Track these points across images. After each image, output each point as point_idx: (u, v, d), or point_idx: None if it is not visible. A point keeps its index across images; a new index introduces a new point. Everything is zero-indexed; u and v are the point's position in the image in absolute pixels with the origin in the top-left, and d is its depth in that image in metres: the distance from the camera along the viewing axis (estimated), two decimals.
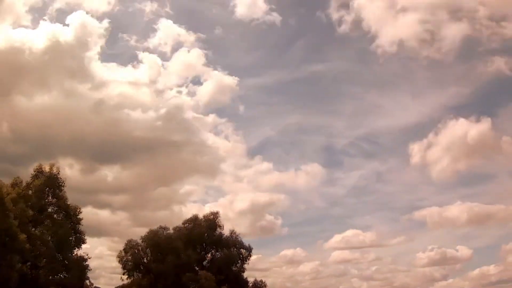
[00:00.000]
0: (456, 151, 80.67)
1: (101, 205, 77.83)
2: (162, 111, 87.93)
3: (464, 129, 79.87)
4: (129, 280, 51.79)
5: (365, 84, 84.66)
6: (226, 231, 56.28)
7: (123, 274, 51.77)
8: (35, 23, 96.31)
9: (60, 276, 39.67)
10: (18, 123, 67.98)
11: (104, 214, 78.56)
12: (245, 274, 56.16)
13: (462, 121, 79.03)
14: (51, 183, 39.44)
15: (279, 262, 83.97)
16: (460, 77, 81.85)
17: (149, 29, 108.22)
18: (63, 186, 40.29)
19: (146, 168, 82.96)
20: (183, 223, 55.28)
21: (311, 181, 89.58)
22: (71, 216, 40.10)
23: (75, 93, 78.07)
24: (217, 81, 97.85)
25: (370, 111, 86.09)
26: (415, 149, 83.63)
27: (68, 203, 40.29)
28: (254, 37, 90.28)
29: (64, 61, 78.54)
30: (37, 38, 76.95)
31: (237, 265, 55.27)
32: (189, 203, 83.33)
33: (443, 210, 79.99)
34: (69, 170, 65.41)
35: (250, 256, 56.22)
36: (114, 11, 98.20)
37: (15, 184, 38.00)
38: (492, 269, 73.74)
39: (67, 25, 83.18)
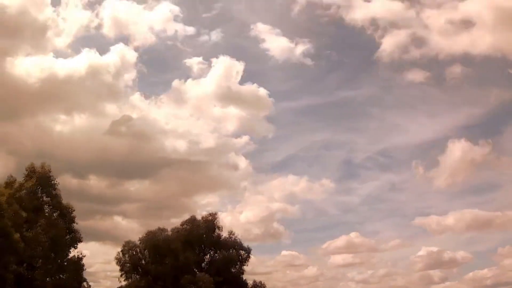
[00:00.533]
0: (463, 165, 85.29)
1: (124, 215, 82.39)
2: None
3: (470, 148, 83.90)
4: (127, 282, 51.72)
5: (387, 106, 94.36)
6: (224, 233, 56.21)
7: (121, 276, 51.82)
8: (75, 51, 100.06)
9: (56, 277, 39.74)
10: (48, 142, 72.83)
11: (122, 222, 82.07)
12: (245, 277, 56.22)
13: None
14: (43, 183, 39.48)
15: (279, 266, 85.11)
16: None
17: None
18: (57, 184, 40.39)
19: (168, 184, 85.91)
20: (181, 224, 55.11)
21: (328, 191, 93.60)
22: (65, 215, 40.11)
23: (106, 115, 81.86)
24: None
25: (389, 129, 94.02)
26: (427, 162, 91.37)
27: (62, 201, 40.29)
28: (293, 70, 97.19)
29: (99, 87, 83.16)
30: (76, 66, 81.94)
31: (236, 266, 55.02)
32: (203, 212, 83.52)
33: (446, 216, 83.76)
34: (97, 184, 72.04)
35: (249, 258, 55.98)
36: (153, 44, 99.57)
37: (9, 184, 38.05)
38: (488, 272, 75.82)
39: (107, 53, 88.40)
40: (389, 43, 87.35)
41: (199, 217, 55.95)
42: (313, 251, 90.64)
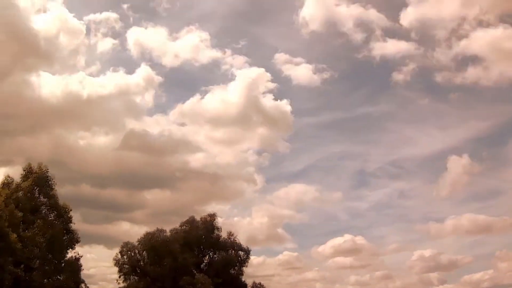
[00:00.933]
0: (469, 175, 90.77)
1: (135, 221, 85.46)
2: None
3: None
4: (125, 284, 51.66)
5: (402, 121, 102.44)
6: (224, 233, 56.12)
7: (119, 277, 51.73)
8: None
9: (54, 278, 39.71)
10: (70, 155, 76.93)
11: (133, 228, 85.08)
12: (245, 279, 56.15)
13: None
14: (41, 183, 39.50)
15: (279, 268, 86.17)
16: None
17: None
18: (54, 184, 40.43)
19: (183, 194, 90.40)
20: (180, 225, 54.96)
21: (338, 199, 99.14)
22: (62, 216, 40.10)
23: (128, 131, 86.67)
24: None
25: (402, 142, 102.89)
26: (436, 171, 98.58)
27: (59, 202, 40.29)
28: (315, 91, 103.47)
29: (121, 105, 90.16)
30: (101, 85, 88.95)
31: (235, 268, 54.93)
32: None
33: (448, 221, 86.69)
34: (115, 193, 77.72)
35: (249, 259, 55.90)
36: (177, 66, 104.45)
37: (6, 184, 38.07)
38: (485, 274, 77.59)
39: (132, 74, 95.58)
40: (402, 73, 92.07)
41: (198, 218, 55.87)
42: (315, 253, 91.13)
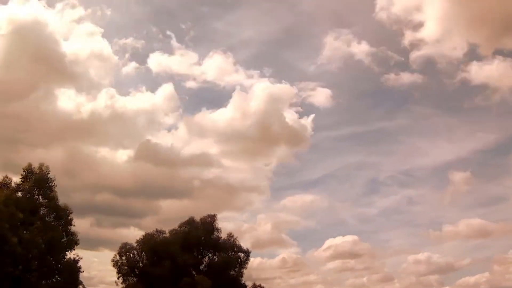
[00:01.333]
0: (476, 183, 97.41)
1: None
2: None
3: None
4: (124, 285, 51.45)
5: (414, 133, 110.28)
6: (223, 234, 55.97)
7: (118, 279, 51.52)
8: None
9: (52, 280, 39.52)
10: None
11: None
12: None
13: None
14: (41, 184, 39.21)
15: (279, 271, 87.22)
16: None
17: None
18: (54, 186, 40.13)
19: (195, 202, 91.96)
20: (179, 226, 54.75)
21: (349, 205, 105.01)
22: (62, 217, 39.83)
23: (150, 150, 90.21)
24: None
25: (413, 152, 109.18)
26: (444, 180, 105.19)
27: (59, 203, 40.02)
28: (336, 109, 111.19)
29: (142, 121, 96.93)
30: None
31: (235, 269, 54.80)
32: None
33: (454, 226, 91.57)
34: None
35: (249, 260, 55.82)
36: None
37: (5, 185, 37.77)
38: (483, 277, 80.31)
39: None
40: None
41: (197, 219, 55.63)
42: (315, 256, 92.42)
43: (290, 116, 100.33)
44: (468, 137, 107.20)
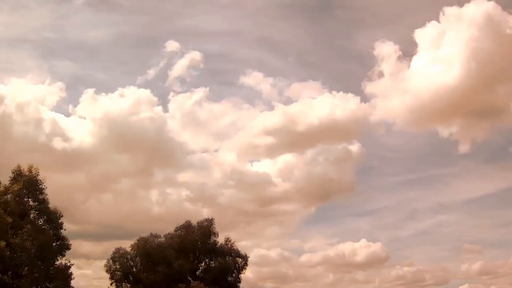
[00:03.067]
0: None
1: None
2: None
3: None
4: None
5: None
6: (221, 239, 55.69)
7: (111, 285, 51.29)
8: None
9: (43, 286, 39.20)
10: None
11: None
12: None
13: None
14: (31, 186, 38.89)
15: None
16: None
17: None
18: (45, 188, 39.79)
19: None
20: (175, 230, 54.48)
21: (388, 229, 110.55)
22: (53, 221, 39.53)
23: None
24: None
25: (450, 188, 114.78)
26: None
27: (50, 206, 39.71)
28: None
29: None
30: None
31: (233, 275, 54.54)
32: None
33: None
34: None
35: (247, 265, 55.57)
36: None
37: None
38: None
39: None
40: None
41: (194, 223, 55.36)
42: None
43: None
44: None
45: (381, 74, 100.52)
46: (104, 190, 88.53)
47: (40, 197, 39.35)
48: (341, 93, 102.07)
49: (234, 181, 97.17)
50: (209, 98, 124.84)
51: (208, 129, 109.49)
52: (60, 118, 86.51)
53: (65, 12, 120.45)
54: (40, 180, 39.36)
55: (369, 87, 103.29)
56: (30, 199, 39.28)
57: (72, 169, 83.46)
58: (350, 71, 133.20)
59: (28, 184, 38.64)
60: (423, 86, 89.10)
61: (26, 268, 37.55)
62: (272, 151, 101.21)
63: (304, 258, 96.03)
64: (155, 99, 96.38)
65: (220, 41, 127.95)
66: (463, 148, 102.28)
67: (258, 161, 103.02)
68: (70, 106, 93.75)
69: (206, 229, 54.78)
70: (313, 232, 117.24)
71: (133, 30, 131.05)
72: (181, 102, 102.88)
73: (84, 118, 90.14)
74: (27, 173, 39.02)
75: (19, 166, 39.16)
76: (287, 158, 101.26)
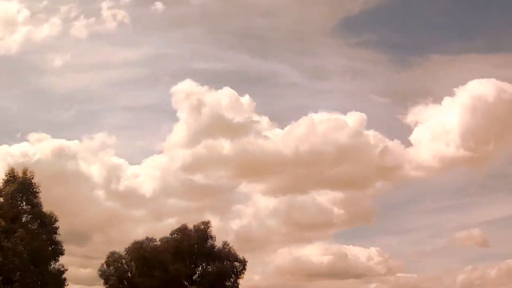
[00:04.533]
0: None
1: None
2: None
3: None
4: None
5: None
6: (218, 243, 55.40)
7: None
8: None
9: None
10: None
11: None
12: None
13: None
14: (24, 189, 38.59)
15: None
16: None
17: None
18: (38, 191, 39.44)
19: None
20: (171, 234, 54.06)
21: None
22: (47, 225, 39.23)
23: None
24: None
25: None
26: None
27: (44, 210, 39.38)
28: None
29: None
30: None
31: (231, 279, 54.27)
32: None
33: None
34: None
35: (245, 270, 55.29)
36: None
37: None
38: None
39: None
40: None
41: (190, 226, 55.04)
42: None
43: None
44: None
45: None
46: None
47: (34, 200, 39.13)
48: None
49: None
50: None
51: None
52: None
53: None
54: (34, 183, 39.11)
55: None
56: (23, 203, 39.02)
57: None
58: None
59: (21, 187, 38.42)
60: None
61: (18, 273, 37.37)
62: None
63: None
64: None
65: None
66: None
67: None
68: None
69: (203, 232, 54.47)
70: None
71: None
72: None
73: None
74: (21, 176, 38.75)
75: (12, 169, 38.97)
76: None
